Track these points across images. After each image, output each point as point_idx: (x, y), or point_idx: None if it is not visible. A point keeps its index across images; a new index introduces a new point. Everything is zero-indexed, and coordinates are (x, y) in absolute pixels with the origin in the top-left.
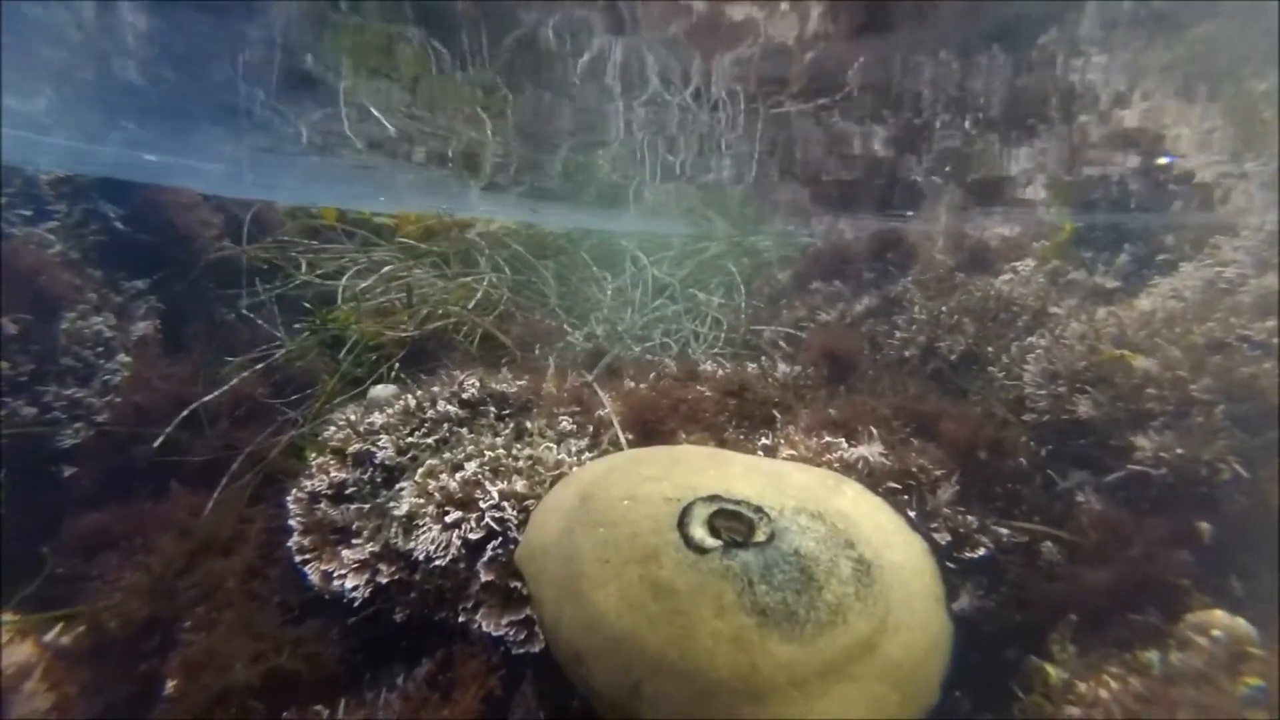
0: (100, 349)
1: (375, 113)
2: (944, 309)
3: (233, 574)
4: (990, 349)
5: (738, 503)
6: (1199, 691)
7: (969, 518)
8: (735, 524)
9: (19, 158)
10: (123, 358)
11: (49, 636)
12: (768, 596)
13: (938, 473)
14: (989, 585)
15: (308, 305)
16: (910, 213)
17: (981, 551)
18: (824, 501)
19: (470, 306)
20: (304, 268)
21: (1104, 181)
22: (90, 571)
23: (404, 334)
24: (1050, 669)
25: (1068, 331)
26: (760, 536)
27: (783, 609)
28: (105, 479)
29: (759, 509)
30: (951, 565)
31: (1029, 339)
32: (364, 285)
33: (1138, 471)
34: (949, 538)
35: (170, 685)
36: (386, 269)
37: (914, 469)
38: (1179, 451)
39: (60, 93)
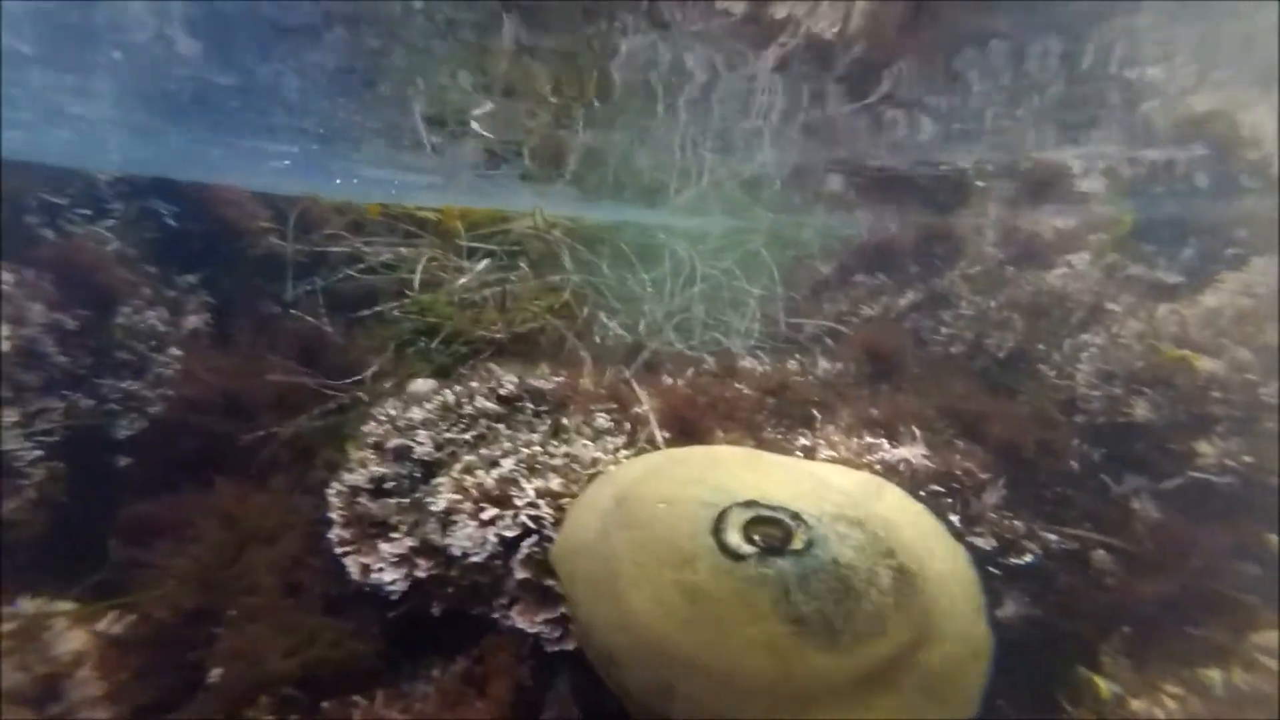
0: (153, 343)
1: (476, 126)
2: (993, 304)
3: (278, 566)
4: (1041, 346)
5: (774, 509)
6: (1267, 716)
7: (1016, 522)
8: (773, 530)
9: (80, 161)
10: (175, 351)
11: (101, 625)
12: (804, 605)
13: (983, 475)
14: (1036, 593)
15: (407, 294)
16: (959, 206)
17: (1029, 558)
18: (864, 508)
19: (556, 307)
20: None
21: (1168, 172)
22: (144, 559)
23: (495, 334)
24: (1101, 682)
25: (1125, 329)
26: (797, 544)
27: (819, 618)
28: (158, 469)
29: (797, 515)
30: (996, 571)
31: (1083, 336)
32: (462, 282)
33: (1199, 478)
34: (994, 543)
35: (214, 674)
36: (483, 264)
37: (958, 471)
38: (1246, 459)
39: (121, 96)
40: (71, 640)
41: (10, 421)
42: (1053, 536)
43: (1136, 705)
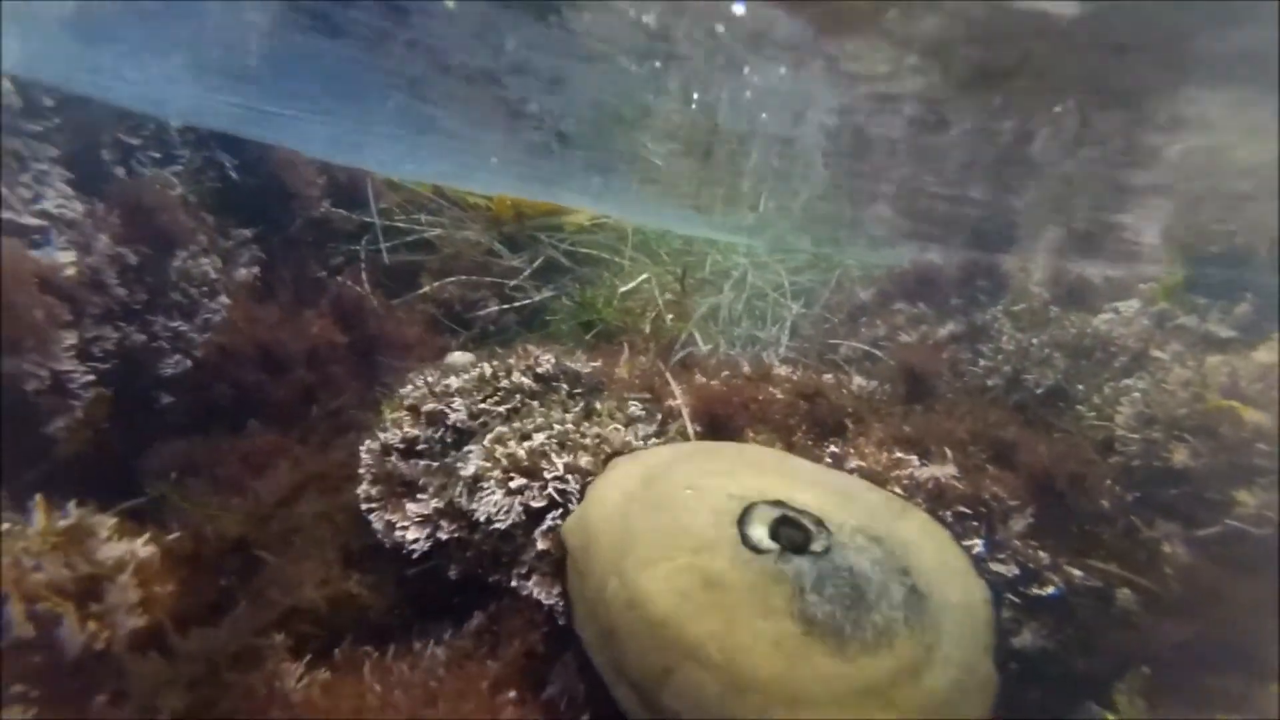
0: (205, 289)
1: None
2: (1035, 341)
3: (322, 515)
4: (1081, 387)
5: (800, 512)
6: None
7: (1041, 553)
8: (793, 532)
9: (152, 107)
10: (224, 299)
11: (139, 542)
12: (817, 607)
13: (1012, 503)
14: (1055, 625)
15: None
16: (1007, 246)
17: (1051, 590)
18: (886, 525)
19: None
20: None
21: (1226, 234)
22: (173, 494)
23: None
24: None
25: (1170, 377)
26: (817, 548)
27: (830, 622)
28: (194, 410)
29: (819, 521)
30: (1016, 600)
31: (1126, 380)
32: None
33: (1235, 528)
34: (1017, 571)
35: (241, 603)
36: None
37: (987, 495)
38: None
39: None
40: (114, 550)
41: (68, 344)
42: (1078, 571)
43: None
